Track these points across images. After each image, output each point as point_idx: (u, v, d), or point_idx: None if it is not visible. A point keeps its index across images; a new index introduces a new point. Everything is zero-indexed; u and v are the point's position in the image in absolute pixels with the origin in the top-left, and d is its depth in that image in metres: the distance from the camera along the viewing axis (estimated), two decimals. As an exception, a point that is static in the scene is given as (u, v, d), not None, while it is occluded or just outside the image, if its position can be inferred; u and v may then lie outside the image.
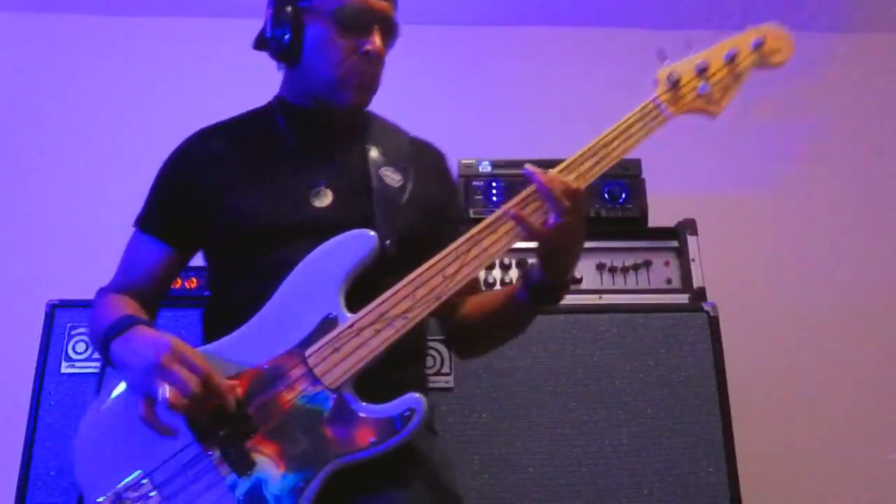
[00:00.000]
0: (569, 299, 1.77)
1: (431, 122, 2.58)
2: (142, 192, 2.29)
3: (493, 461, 1.64)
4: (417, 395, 1.06)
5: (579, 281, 1.87)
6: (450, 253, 1.11)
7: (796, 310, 2.44)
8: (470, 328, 1.32)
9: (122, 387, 1.14)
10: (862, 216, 2.58)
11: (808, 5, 2.61)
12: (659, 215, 1.96)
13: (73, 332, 1.73)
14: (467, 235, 1.12)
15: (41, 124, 2.55)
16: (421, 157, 1.36)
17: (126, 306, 1.23)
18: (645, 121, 1.17)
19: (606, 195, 1.95)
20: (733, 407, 1.70)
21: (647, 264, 1.88)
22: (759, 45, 1.22)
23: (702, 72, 1.19)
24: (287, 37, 1.26)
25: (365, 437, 1.05)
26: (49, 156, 2.52)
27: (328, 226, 1.16)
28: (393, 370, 1.14)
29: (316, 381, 1.08)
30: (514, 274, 1.88)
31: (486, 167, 1.98)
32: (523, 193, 1.12)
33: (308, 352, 1.09)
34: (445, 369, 1.69)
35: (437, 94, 2.61)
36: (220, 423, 1.07)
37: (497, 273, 1.87)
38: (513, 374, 1.70)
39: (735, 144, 2.61)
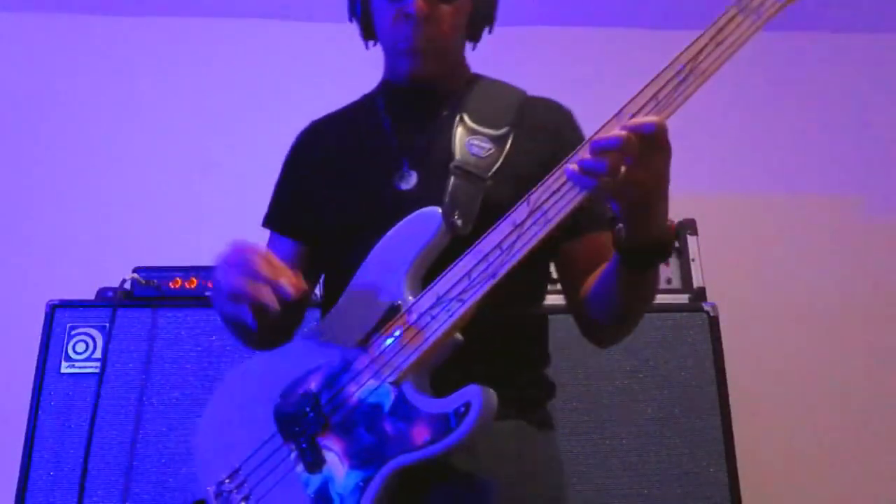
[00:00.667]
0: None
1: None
2: (142, 191, 2.30)
3: (493, 461, 1.64)
4: (478, 386, 0.94)
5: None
6: (507, 223, 0.98)
7: (796, 310, 2.44)
8: (584, 309, 1.19)
9: (230, 379, 1.15)
10: (862, 216, 2.58)
11: (808, 5, 2.61)
12: (659, 215, 1.96)
13: (73, 332, 1.73)
14: (525, 199, 0.97)
15: (41, 124, 2.55)
16: (531, 118, 1.22)
17: None
18: (744, 13, 0.90)
19: (606, 195, 1.95)
20: (733, 407, 1.70)
21: (647, 264, 1.88)
22: None
23: None
24: (360, 12, 1.25)
25: (420, 435, 0.96)
26: (49, 156, 2.52)
27: (413, 209, 1.08)
28: (473, 365, 1.02)
29: (378, 373, 1.02)
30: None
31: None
32: (581, 145, 0.96)
33: (373, 343, 1.03)
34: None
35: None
36: (299, 418, 1.05)
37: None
38: (513, 374, 1.70)
39: (735, 144, 2.61)
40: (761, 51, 2.73)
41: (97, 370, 1.68)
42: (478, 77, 1.32)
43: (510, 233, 0.97)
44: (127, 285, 1.77)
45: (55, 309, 1.75)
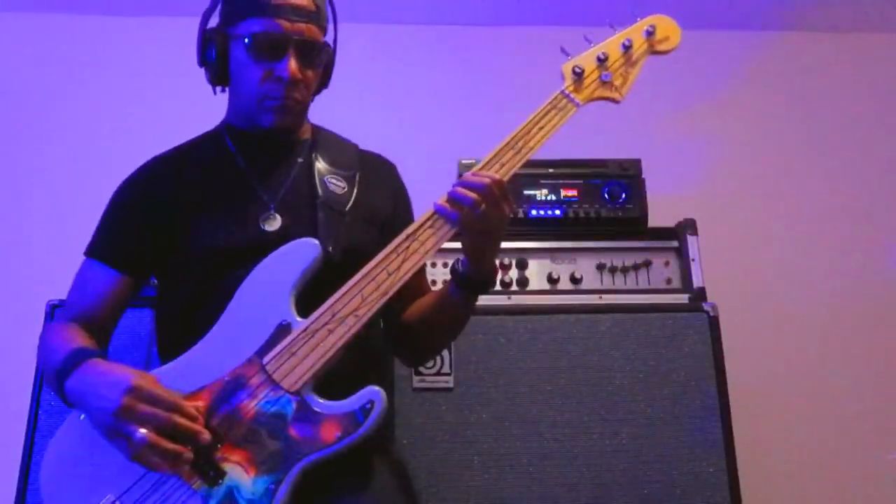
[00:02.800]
0: (569, 299, 1.80)
1: (431, 122, 2.60)
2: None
3: (493, 461, 1.64)
4: (377, 388, 1.10)
5: (579, 280, 1.86)
6: (392, 250, 1.17)
7: (796, 310, 2.44)
8: (409, 333, 1.37)
9: (77, 414, 1.15)
10: (862, 216, 2.58)
11: (807, 5, 2.61)
12: (659, 215, 1.96)
13: (73, 332, 1.73)
14: (406, 232, 1.18)
15: (41, 124, 2.55)
16: (368, 167, 1.42)
17: (78, 337, 1.23)
18: (556, 111, 1.26)
19: (606, 195, 1.95)
20: (733, 407, 1.70)
21: (647, 264, 1.88)
22: (650, 34, 1.33)
23: (602, 62, 1.30)
24: (216, 61, 1.34)
25: (330, 432, 1.08)
26: (49, 155, 2.52)
27: (278, 247, 1.20)
28: (355, 372, 1.17)
29: (276, 386, 1.12)
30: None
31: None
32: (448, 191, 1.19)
33: (266, 359, 1.13)
34: (445, 369, 1.69)
35: (437, 94, 2.61)
36: (191, 437, 1.08)
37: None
38: (513, 374, 1.70)
39: (735, 144, 2.61)
40: (761, 51, 2.73)
41: (97, 370, 1.67)
42: (318, 128, 1.45)
43: (394, 259, 1.16)
44: (127, 285, 1.76)
45: (55, 309, 1.75)
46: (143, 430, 1.03)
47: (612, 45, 1.31)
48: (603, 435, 1.66)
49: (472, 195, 1.14)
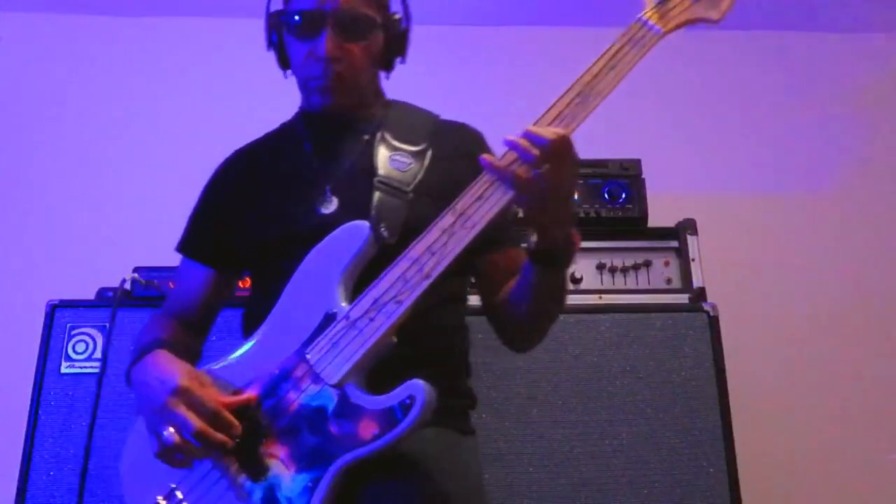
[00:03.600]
0: (569, 299, 1.79)
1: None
2: (141, 191, 2.30)
3: (493, 461, 1.64)
4: (420, 381, 0.99)
5: (579, 280, 1.86)
6: (436, 227, 1.05)
7: (796, 310, 2.44)
8: (502, 315, 1.27)
9: None
10: (862, 216, 2.58)
11: (808, 6, 2.61)
12: (659, 215, 1.96)
13: (73, 332, 1.73)
14: (452, 206, 1.05)
15: (41, 124, 2.55)
16: (444, 139, 1.31)
17: (161, 329, 1.27)
18: (632, 44, 1.06)
19: (606, 195, 1.95)
20: (733, 407, 1.70)
21: (647, 264, 1.88)
22: None
23: None
24: (275, 44, 1.32)
25: (368, 430, 1.01)
26: (49, 156, 2.52)
27: (332, 231, 1.15)
28: (409, 364, 1.08)
29: (318, 378, 1.06)
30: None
31: (486, 167, 1.98)
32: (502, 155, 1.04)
33: (308, 350, 1.08)
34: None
35: (437, 94, 2.60)
36: (229, 444, 1.08)
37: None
38: (513, 374, 1.70)
39: (735, 144, 2.61)
40: (762, 51, 2.73)
41: (97, 370, 1.68)
42: (393, 102, 1.39)
43: (439, 237, 1.04)
44: (127, 285, 1.77)
45: (55, 309, 1.75)
46: (170, 431, 1.05)
47: None
48: (603, 435, 1.66)
49: (534, 150, 0.98)
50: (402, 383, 1.00)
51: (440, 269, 1.03)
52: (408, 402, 0.99)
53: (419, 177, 1.24)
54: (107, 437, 1.66)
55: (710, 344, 1.73)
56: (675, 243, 1.90)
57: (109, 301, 1.74)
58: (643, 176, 1.99)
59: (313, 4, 1.23)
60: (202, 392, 1.07)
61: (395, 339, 1.06)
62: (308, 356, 1.08)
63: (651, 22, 1.07)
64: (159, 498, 1.11)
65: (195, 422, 1.04)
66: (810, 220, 2.57)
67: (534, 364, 1.70)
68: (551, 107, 1.04)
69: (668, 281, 1.87)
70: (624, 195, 1.95)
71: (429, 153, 1.28)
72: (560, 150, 0.99)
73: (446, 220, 1.05)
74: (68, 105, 2.57)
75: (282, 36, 1.30)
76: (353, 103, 1.31)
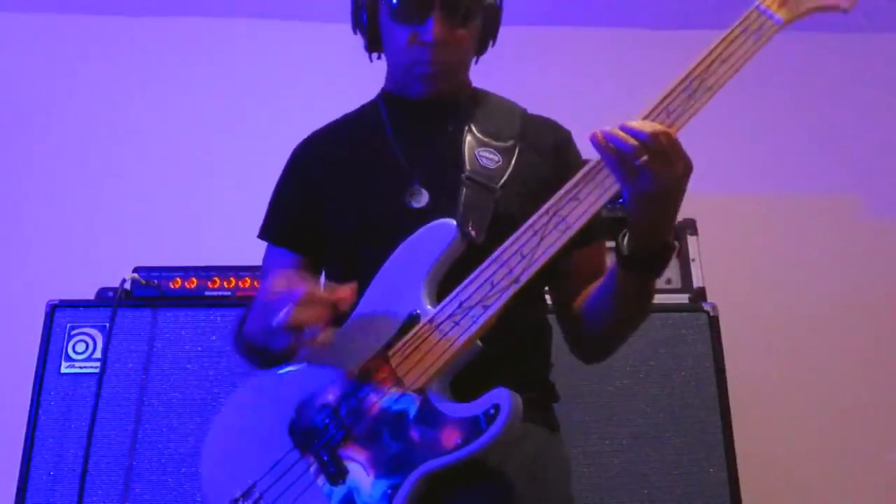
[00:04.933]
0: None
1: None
2: (141, 191, 2.30)
3: (493, 461, 1.63)
4: (506, 389, 0.96)
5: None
6: (528, 228, 1.00)
7: (796, 309, 2.44)
8: (578, 321, 1.22)
9: (238, 396, 1.16)
10: (862, 216, 2.58)
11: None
12: (659, 215, 1.96)
13: (73, 332, 1.73)
14: (545, 206, 1.00)
15: (41, 124, 2.55)
16: (533, 135, 1.27)
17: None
18: (748, 34, 0.96)
19: (606, 195, 1.94)
20: (733, 407, 1.70)
21: (648, 264, 1.88)
22: None
23: None
24: (367, 26, 1.25)
25: (451, 439, 0.97)
26: (49, 156, 2.52)
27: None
28: (492, 368, 1.04)
29: (400, 382, 1.03)
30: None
31: (486, 167, 1.98)
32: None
33: (391, 352, 1.04)
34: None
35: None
36: (318, 431, 1.06)
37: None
38: (513, 374, 1.69)
39: (735, 144, 2.61)
40: (761, 51, 2.73)
41: (97, 370, 1.68)
42: (480, 91, 1.33)
43: (530, 238, 0.99)
44: (127, 285, 1.77)
45: (55, 309, 1.74)
46: (286, 309, 0.98)
47: None
48: (603, 435, 1.66)
49: (632, 141, 0.92)
50: (483, 387, 0.97)
51: (529, 273, 0.99)
52: (492, 411, 0.95)
53: (507, 174, 1.19)
54: (107, 437, 1.66)
55: (710, 344, 1.73)
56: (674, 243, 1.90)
57: (109, 301, 1.74)
58: (643, 176, 1.99)
59: None
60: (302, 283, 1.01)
61: (480, 344, 1.02)
62: (391, 358, 1.04)
63: (770, 10, 0.97)
64: (237, 495, 1.09)
65: (299, 289, 0.98)
66: (810, 220, 2.57)
67: (534, 364, 1.70)
68: (658, 101, 0.97)
69: (668, 281, 1.87)
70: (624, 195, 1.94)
71: (517, 149, 1.22)
72: (662, 146, 0.93)
73: (539, 220, 1.00)
74: (68, 105, 2.57)
75: (376, 17, 1.23)
76: (451, 90, 1.26)
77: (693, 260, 1.86)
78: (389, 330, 1.06)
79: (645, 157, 0.92)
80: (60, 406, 1.68)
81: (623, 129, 0.93)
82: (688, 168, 0.98)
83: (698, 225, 1.90)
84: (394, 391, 1.03)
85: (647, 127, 0.93)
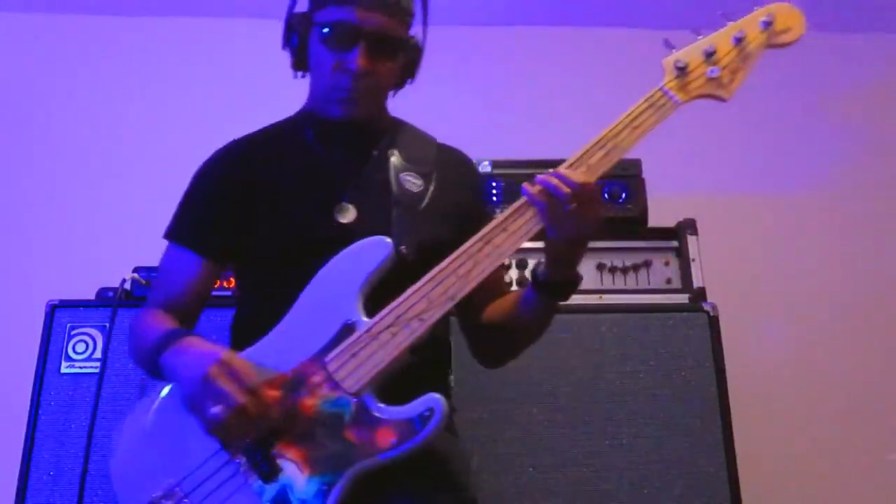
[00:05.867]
0: (569, 299, 1.79)
1: (432, 122, 2.59)
2: (141, 191, 2.29)
3: (494, 461, 1.64)
4: (437, 395, 1.06)
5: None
6: (463, 253, 1.12)
7: (796, 309, 2.44)
8: (489, 334, 1.34)
9: (159, 394, 1.17)
10: (862, 216, 2.58)
11: (808, 5, 2.61)
12: (659, 215, 1.96)
13: (73, 332, 1.73)
14: (479, 234, 1.13)
15: (41, 124, 2.55)
16: (446, 164, 1.38)
17: (169, 322, 1.26)
18: (653, 109, 1.16)
19: (606, 195, 1.95)
20: (733, 407, 1.70)
21: (647, 264, 1.88)
22: (768, 25, 1.19)
23: (709, 56, 1.19)
24: (296, 46, 1.31)
25: (386, 438, 1.06)
26: (49, 156, 2.52)
27: (352, 241, 1.17)
28: (417, 377, 1.13)
29: (336, 386, 1.10)
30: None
31: (485, 167, 1.98)
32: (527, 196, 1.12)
33: (328, 358, 1.11)
34: (445, 369, 1.68)
35: (437, 95, 2.60)
36: (263, 430, 1.09)
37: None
38: (513, 374, 1.69)
39: (735, 144, 2.61)
40: (761, 50, 2.73)
41: (97, 370, 1.68)
42: (398, 120, 1.43)
43: (466, 262, 1.11)
44: (127, 285, 1.77)
45: (55, 309, 1.75)
46: (216, 408, 1.04)
47: (721, 37, 1.19)
48: (603, 435, 1.66)
49: (565, 189, 1.07)
50: (409, 393, 1.07)
51: (464, 292, 1.11)
52: (427, 413, 1.05)
53: (428, 197, 1.30)
54: (107, 437, 1.66)
55: (710, 344, 1.73)
56: (675, 243, 1.90)
57: (109, 301, 1.74)
58: (643, 176, 1.99)
59: (351, 18, 1.23)
60: (243, 367, 1.07)
61: (409, 354, 1.11)
62: (328, 364, 1.11)
63: (672, 92, 1.17)
64: (156, 496, 1.11)
65: (238, 394, 1.04)
66: (810, 220, 2.57)
67: (534, 364, 1.70)
68: (578, 156, 1.13)
69: (668, 281, 1.87)
70: (624, 195, 1.95)
71: (434, 176, 1.33)
72: (589, 194, 1.09)
73: (474, 246, 1.12)
74: (68, 105, 2.57)
75: (306, 39, 1.30)
76: (369, 116, 1.34)
77: (693, 260, 1.86)
78: (323, 337, 1.12)
79: (574, 204, 1.07)
80: (60, 406, 1.68)
81: (556, 175, 1.08)
82: (601, 216, 1.13)
83: (698, 225, 1.90)
84: (330, 394, 1.10)
85: (579, 177, 1.08)
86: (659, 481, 1.64)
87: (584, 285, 1.82)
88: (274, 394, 1.09)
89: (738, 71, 1.19)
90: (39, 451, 1.65)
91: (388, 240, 1.15)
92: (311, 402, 1.10)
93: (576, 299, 1.77)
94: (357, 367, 1.09)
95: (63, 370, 1.71)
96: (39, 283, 2.02)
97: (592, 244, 1.85)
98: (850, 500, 2.27)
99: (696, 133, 2.58)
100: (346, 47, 1.24)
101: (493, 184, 1.95)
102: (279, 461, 1.08)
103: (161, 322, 1.25)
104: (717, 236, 2.03)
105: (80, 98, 2.57)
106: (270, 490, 1.08)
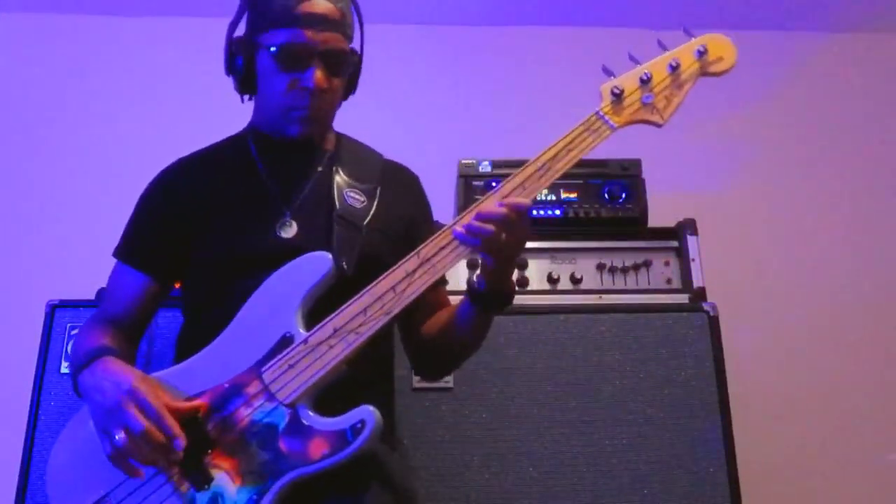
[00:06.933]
0: (569, 299, 1.80)
1: (432, 122, 2.60)
2: (141, 191, 2.29)
3: (493, 461, 1.64)
4: (370, 407, 1.08)
5: (579, 280, 1.86)
6: (399, 269, 1.14)
7: (796, 309, 2.44)
8: (427, 346, 1.37)
9: (86, 410, 1.18)
10: (862, 216, 2.58)
11: (808, 5, 2.61)
12: (659, 215, 1.96)
13: (73, 332, 1.73)
14: (416, 251, 1.15)
15: (41, 124, 2.55)
16: (391, 179, 1.40)
17: (103, 336, 1.27)
18: (589, 132, 1.19)
19: (606, 195, 1.95)
20: (733, 407, 1.70)
21: (647, 264, 1.88)
22: (701, 54, 1.23)
23: (645, 82, 1.22)
24: (242, 70, 1.33)
25: (318, 449, 1.07)
26: (49, 156, 2.52)
27: (293, 255, 1.20)
28: (355, 387, 1.16)
29: (272, 397, 1.11)
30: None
31: (486, 167, 1.98)
32: (465, 212, 1.16)
33: (264, 369, 1.13)
34: (445, 369, 1.68)
35: (437, 95, 2.61)
36: (175, 453, 1.10)
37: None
38: (513, 374, 1.70)
39: (735, 144, 2.61)
40: (761, 51, 2.73)
41: (97, 370, 1.67)
42: (343, 136, 1.44)
43: (403, 279, 1.13)
44: (127, 285, 1.77)
45: (55, 309, 1.74)
46: (121, 435, 1.07)
47: (657, 65, 1.23)
48: (603, 435, 1.66)
49: (489, 227, 1.11)
50: (343, 405, 1.09)
51: (400, 307, 1.13)
52: (359, 425, 1.07)
53: (371, 214, 1.32)
54: (107, 437, 1.66)
55: (710, 344, 1.73)
56: (675, 243, 1.90)
57: (109, 301, 1.74)
58: (643, 176, 1.99)
59: (303, 38, 1.25)
60: (150, 394, 1.10)
61: (345, 367, 1.13)
62: (264, 374, 1.13)
63: (607, 116, 1.20)
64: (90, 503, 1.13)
65: (145, 423, 1.07)
66: (810, 220, 2.57)
67: (534, 364, 1.70)
68: (514, 176, 1.17)
69: (668, 281, 1.87)
70: (624, 195, 1.95)
71: (377, 192, 1.36)
72: (511, 219, 1.12)
73: (410, 263, 1.14)
74: (68, 105, 2.57)
75: (251, 62, 1.32)
76: (322, 134, 1.38)
77: (693, 260, 1.86)
78: (261, 349, 1.14)
79: (503, 236, 1.11)
80: (60, 406, 1.68)
81: (479, 217, 1.12)
82: (528, 233, 1.17)
83: (698, 225, 1.90)
84: (265, 405, 1.11)
85: (497, 209, 1.11)
86: (659, 481, 1.63)
87: (584, 285, 1.85)
88: (183, 413, 1.11)
89: (673, 97, 1.22)
90: (39, 451, 1.64)
91: (329, 255, 1.17)
92: (245, 412, 1.12)
93: (576, 299, 1.81)
94: (292, 378, 1.11)
95: (63, 370, 1.71)
96: (39, 283, 2.02)
97: (593, 244, 1.88)
98: (850, 500, 2.27)
99: (696, 133, 2.59)
100: (300, 67, 1.26)
101: (494, 184, 1.94)
102: (211, 470, 1.10)
103: (95, 336, 1.27)
104: (717, 236, 2.03)
105: (80, 98, 2.57)
106: (201, 498, 1.09)
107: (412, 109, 2.58)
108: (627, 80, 1.23)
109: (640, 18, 2.67)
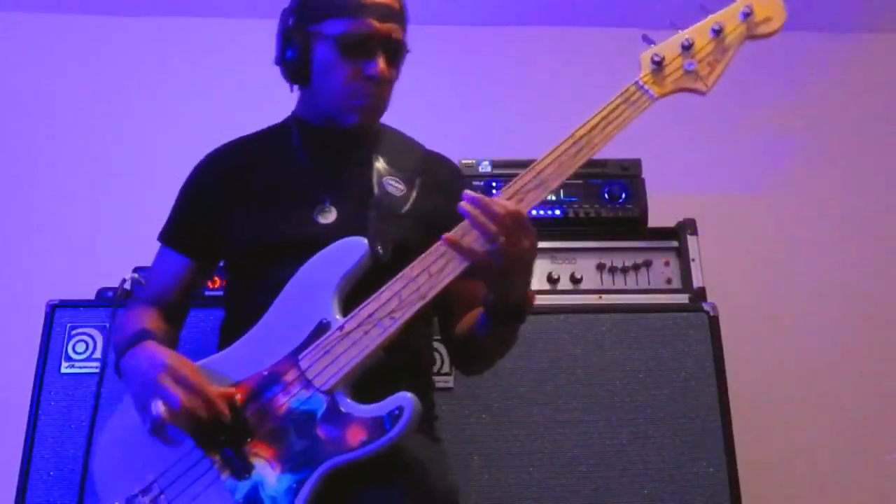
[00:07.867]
0: (569, 299, 1.80)
1: (432, 122, 2.59)
2: (141, 191, 2.30)
3: (493, 461, 1.64)
4: (409, 394, 1.07)
5: (579, 280, 1.86)
6: (433, 252, 1.12)
7: (796, 309, 2.44)
8: (460, 345, 1.36)
9: (129, 398, 1.21)
10: (862, 216, 2.58)
11: (808, 5, 2.61)
12: (659, 215, 1.96)
13: (73, 332, 1.73)
14: (445, 236, 1.13)
15: (41, 125, 2.55)
16: (431, 170, 1.40)
17: (145, 319, 1.31)
18: (628, 104, 1.14)
19: (606, 195, 1.95)
20: (733, 407, 1.70)
21: (647, 264, 1.88)
22: (747, 16, 1.17)
23: (687, 49, 1.16)
24: (297, 59, 1.31)
25: (356, 436, 1.06)
26: (49, 156, 2.52)
27: (331, 241, 1.19)
28: (392, 374, 1.16)
29: (309, 384, 1.11)
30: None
31: (486, 167, 1.98)
32: (465, 221, 1.10)
33: (301, 356, 1.13)
34: (445, 369, 1.69)
35: (437, 94, 2.61)
36: (219, 430, 1.12)
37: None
38: (513, 374, 1.70)
39: (735, 144, 2.61)
40: (761, 51, 2.73)
41: (97, 370, 1.68)
42: (385, 126, 1.44)
43: (437, 261, 1.11)
44: (127, 285, 1.76)
45: (55, 309, 1.74)
46: (157, 404, 1.09)
47: (699, 30, 1.17)
48: (603, 435, 1.66)
49: (490, 226, 1.07)
50: (380, 392, 1.07)
51: (435, 291, 1.10)
52: (397, 412, 1.05)
53: (410, 203, 1.32)
54: (107, 437, 1.66)
55: (710, 344, 1.73)
56: (675, 243, 1.90)
57: (109, 301, 1.74)
58: (643, 176, 1.99)
59: (369, 27, 1.26)
60: (186, 368, 1.12)
61: (383, 353, 1.12)
62: (300, 361, 1.12)
63: (647, 86, 1.15)
64: (134, 492, 1.14)
65: (181, 394, 1.09)
66: (811, 220, 2.57)
67: (534, 364, 1.70)
68: (549, 153, 1.11)
69: (668, 281, 1.87)
70: (624, 195, 1.95)
71: (417, 181, 1.35)
72: (511, 223, 1.07)
73: (444, 246, 1.11)
74: (68, 105, 2.57)
75: (307, 52, 1.30)
76: (375, 123, 1.39)
77: (693, 260, 1.86)
78: (299, 336, 1.14)
79: (502, 238, 1.06)
80: (60, 406, 1.68)
81: (481, 208, 1.07)
82: (530, 238, 1.10)
83: (698, 225, 1.90)
84: (302, 392, 1.11)
85: (500, 208, 1.06)
86: (659, 481, 1.63)
87: (584, 285, 1.85)
88: (223, 391, 1.12)
89: (717, 63, 1.16)
90: (39, 451, 1.64)
91: (364, 240, 1.17)
92: (283, 399, 1.11)
93: (576, 299, 1.81)
94: (329, 365, 1.10)
95: (63, 370, 1.71)
96: (39, 283, 2.03)
97: (593, 244, 1.88)
98: (850, 500, 2.27)
99: (696, 133, 2.59)
100: (364, 56, 1.27)
101: (494, 184, 1.96)
102: (251, 458, 1.10)
103: (136, 321, 1.31)
104: (717, 236, 2.03)
105: (80, 98, 2.57)
106: (242, 487, 1.09)
107: (412, 109, 2.57)
108: (668, 48, 1.17)
109: (641, 18, 2.66)
